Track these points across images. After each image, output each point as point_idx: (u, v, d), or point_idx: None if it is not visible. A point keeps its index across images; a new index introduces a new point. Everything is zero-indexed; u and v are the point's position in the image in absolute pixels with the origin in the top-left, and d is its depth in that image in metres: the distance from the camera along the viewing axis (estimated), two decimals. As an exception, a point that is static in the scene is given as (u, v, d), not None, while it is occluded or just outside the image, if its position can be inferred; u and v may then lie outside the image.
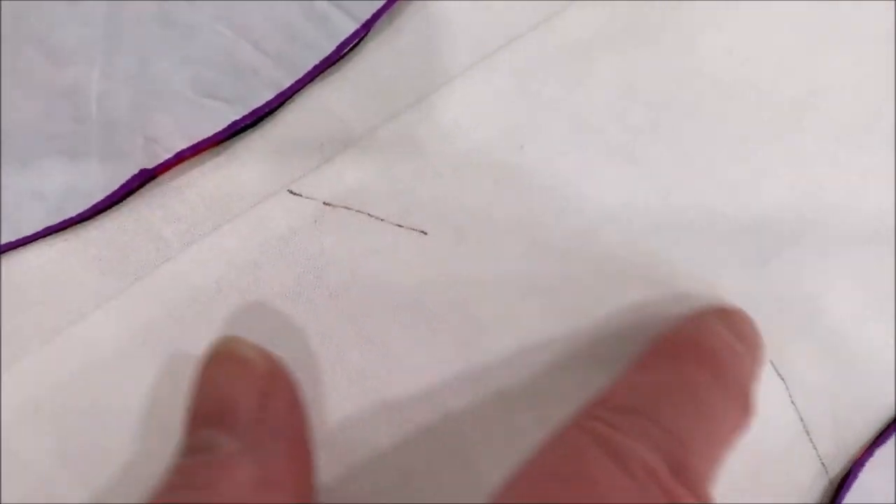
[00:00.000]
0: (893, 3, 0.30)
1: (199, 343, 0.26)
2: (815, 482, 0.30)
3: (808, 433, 0.30)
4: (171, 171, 0.28)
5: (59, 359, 0.27)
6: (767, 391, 0.30)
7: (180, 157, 0.28)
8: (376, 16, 0.31)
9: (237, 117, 0.29)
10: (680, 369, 0.23)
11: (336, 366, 0.28)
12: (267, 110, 0.29)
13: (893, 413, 0.30)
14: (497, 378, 0.29)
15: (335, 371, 0.28)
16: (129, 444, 0.27)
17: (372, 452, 0.28)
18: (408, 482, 0.28)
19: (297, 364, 0.26)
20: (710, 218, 0.30)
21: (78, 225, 0.28)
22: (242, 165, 0.29)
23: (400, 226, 0.29)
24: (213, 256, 0.28)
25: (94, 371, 0.27)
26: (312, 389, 0.28)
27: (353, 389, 0.28)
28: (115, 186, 0.28)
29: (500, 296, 0.29)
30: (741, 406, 0.23)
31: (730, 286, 0.30)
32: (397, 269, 0.29)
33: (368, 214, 0.29)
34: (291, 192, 0.29)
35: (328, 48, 0.30)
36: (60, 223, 0.28)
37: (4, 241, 0.27)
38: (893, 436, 0.30)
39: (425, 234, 0.29)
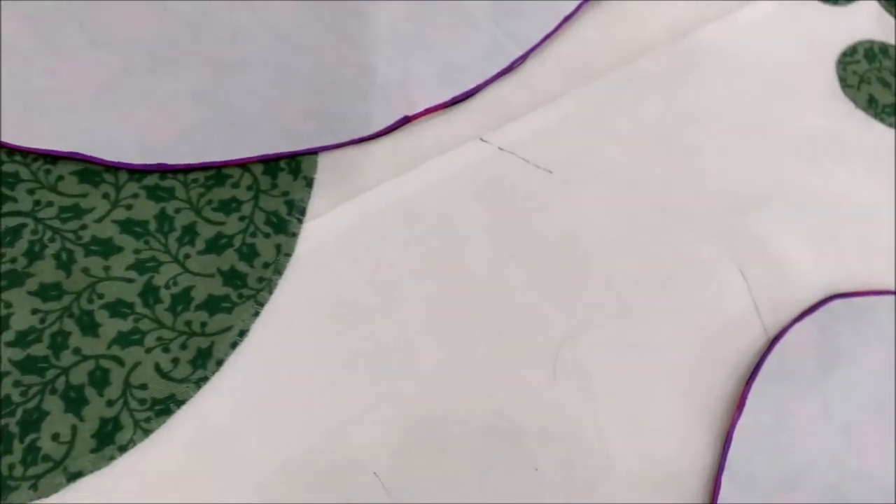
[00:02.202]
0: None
1: (422, 210, 0.48)
2: (757, 340, 0.52)
3: (758, 311, 0.52)
4: (419, 119, 0.51)
5: (358, 210, 0.49)
6: (733, 287, 0.53)
7: (426, 111, 0.51)
8: (533, 48, 0.54)
9: (456, 94, 0.52)
10: None
11: (483, 234, 0.50)
12: (470, 94, 0.52)
13: (812, 302, 0.53)
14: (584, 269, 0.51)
15: (482, 240, 0.50)
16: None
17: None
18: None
19: (476, 229, 0.49)
20: (708, 187, 0.53)
21: (370, 140, 0.50)
22: (457, 120, 0.51)
23: (537, 166, 0.52)
24: (438, 168, 0.50)
25: (377, 218, 0.49)
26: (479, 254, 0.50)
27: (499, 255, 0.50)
28: (390, 123, 0.50)
29: (590, 215, 0.52)
30: None
31: (713, 226, 0.53)
32: (532, 192, 0.52)
33: (521, 157, 0.52)
34: (482, 139, 0.52)
35: (503, 63, 0.54)
36: (359, 138, 0.50)
37: (325, 143, 0.49)
38: (813, 313, 0.52)
39: (551, 172, 0.52)
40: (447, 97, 0.52)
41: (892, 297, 0.54)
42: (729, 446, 0.48)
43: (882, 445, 0.51)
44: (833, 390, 0.51)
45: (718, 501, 0.47)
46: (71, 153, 0.45)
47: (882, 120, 0.59)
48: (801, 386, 0.51)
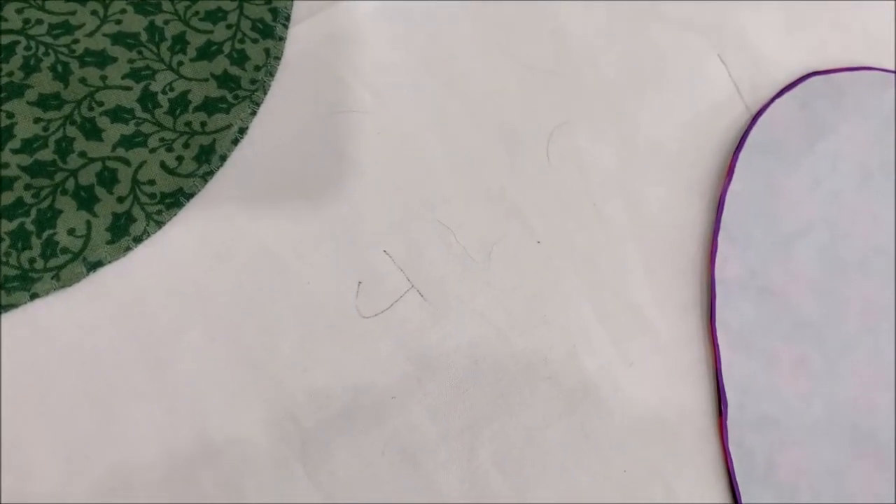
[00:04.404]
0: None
1: (406, 12, 0.49)
2: (741, 117, 0.54)
3: (739, 91, 0.54)
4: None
5: (342, 13, 0.49)
6: (713, 72, 0.54)
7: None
8: None
9: None
10: None
11: (473, 34, 0.52)
12: None
13: (791, 81, 0.54)
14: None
15: (472, 39, 0.52)
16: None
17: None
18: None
19: (465, 30, 0.50)
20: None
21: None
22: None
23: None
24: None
25: (362, 21, 0.50)
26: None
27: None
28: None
29: (571, 10, 0.53)
30: None
31: (689, 19, 0.54)
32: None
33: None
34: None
35: None
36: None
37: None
38: (793, 89, 0.54)
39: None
40: None
41: (868, 72, 0.56)
42: (722, 209, 0.50)
43: (870, 210, 0.53)
44: (820, 160, 0.53)
45: (717, 259, 0.49)
46: (55, -28, 0.46)
47: None
48: (788, 157, 0.53)
